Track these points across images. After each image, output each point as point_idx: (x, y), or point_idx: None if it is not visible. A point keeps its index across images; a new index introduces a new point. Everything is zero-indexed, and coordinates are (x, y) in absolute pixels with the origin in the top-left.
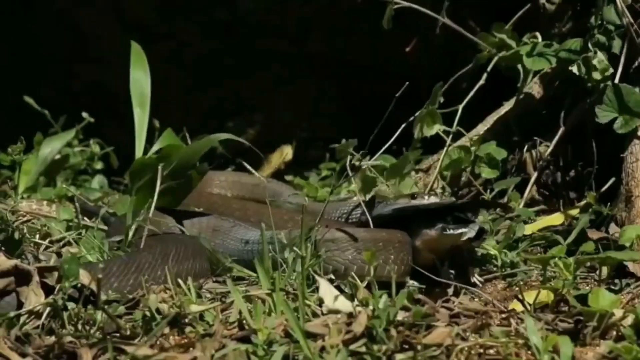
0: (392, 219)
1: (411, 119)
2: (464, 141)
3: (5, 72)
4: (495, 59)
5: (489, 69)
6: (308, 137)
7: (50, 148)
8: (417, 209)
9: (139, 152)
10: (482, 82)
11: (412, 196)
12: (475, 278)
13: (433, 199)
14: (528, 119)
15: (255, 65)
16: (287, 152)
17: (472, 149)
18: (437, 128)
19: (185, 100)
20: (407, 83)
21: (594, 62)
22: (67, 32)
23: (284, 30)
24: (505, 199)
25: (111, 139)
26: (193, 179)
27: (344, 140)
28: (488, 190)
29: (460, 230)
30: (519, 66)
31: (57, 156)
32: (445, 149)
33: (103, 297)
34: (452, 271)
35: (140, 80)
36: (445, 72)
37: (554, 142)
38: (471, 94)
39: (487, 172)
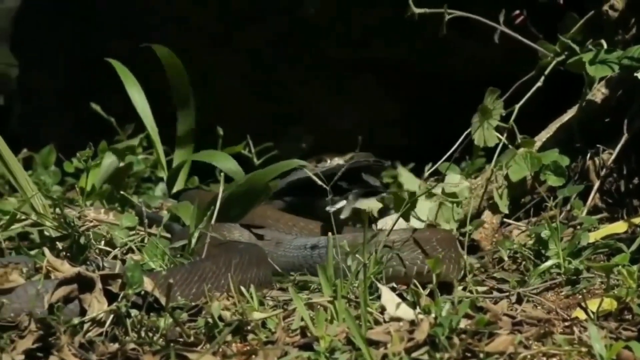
0: (304, 186)
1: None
2: (527, 148)
3: (73, 81)
4: (554, 62)
5: (546, 72)
6: (369, 144)
7: (113, 155)
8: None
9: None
10: (539, 84)
11: (318, 160)
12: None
13: (336, 162)
14: (591, 126)
15: (317, 71)
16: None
17: (539, 155)
18: (494, 124)
19: (246, 107)
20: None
21: None
22: (131, 40)
23: (347, 37)
24: (569, 207)
25: (172, 146)
26: (259, 197)
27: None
28: (551, 198)
29: (337, 206)
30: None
31: (121, 164)
32: (498, 150)
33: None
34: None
35: (139, 99)
36: (507, 79)
37: (617, 149)
38: (529, 94)
39: (552, 180)
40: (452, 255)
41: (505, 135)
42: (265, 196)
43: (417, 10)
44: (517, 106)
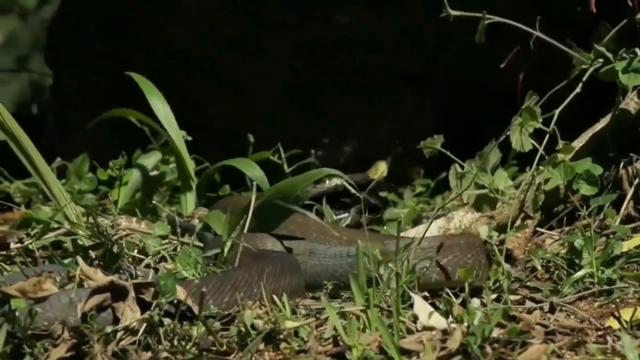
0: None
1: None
2: (560, 157)
3: (107, 89)
4: (590, 70)
5: (584, 78)
6: (403, 153)
7: (146, 164)
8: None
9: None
10: (577, 90)
11: (317, 181)
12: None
13: (334, 183)
14: (624, 134)
15: (350, 81)
16: (382, 169)
17: (572, 164)
18: (535, 125)
19: (280, 116)
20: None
21: None
22: (164, 49)
23: (380, 46)
24: (602, 216)
25: (206, 155)
26: (290, 208)
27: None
28: (584, 207)
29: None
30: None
31: (155, 173)
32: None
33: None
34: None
35: (162, 109)
36: (541, 87)
37: None
38: (568, 99)
39: (585, 189)
40: (480, 260)
41: (545, 140)
42: (298, 205)
43: (454, 13)
44: (557, 111)
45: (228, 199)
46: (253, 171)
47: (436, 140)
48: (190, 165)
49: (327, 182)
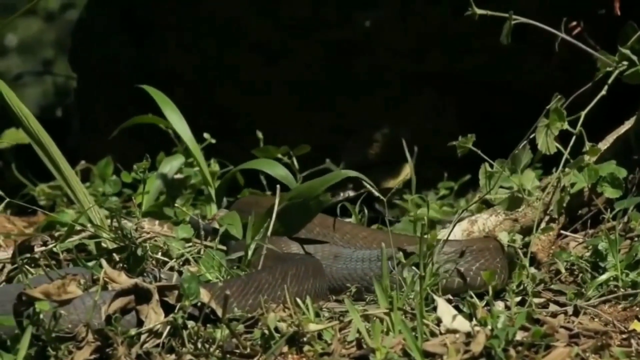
0: None
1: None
2: (585, 160)
3: (131, 92)
4: (616, 72)
5: (609, 81)
6: (426, 155)
7: (170, 167)
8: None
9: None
10: (603, 92)
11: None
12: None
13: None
14: None
15: (374, 82)
16: (406, 172)
17: (596, 167)
18: (562, 127)
19: (305, 119)
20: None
21: None
22: (188, 53)
23: (404, 48)
24: (626, 219)
25: (230, 158)
26: (313, 210)
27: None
28: (608, 210)
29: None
30: None
31: (179, 176)
32: (565, 156)
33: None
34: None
35: (176, 119)
36: (565, 89)
37: None
38: (594, 101)
39: (609, 192)
40: (500, 264)
41: (572, 142)
42: (319, 208)
43: (479, 11)
44: (584, 113)
45: (248, 199)
46: (277, 170)
47: (468, 139)
48: (207, 170)
49: (342, 194)
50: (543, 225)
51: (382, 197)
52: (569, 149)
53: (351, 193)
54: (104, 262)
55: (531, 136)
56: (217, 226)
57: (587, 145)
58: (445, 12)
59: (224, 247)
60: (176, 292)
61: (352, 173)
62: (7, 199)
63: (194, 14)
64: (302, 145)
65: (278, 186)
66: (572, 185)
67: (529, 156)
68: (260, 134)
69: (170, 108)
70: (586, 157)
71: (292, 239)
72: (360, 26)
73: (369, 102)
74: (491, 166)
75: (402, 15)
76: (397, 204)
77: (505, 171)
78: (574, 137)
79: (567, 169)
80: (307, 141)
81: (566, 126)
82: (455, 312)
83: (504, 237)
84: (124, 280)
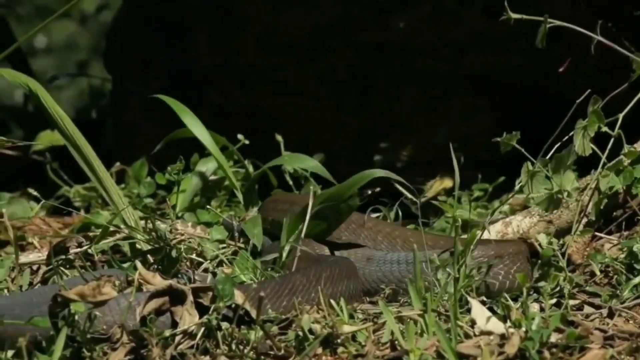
0: None
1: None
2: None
3: (166, 94)
4: None
5: None
6: (461, 157)
7: (205, 168)
8: None
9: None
10: None
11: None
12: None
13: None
14: None
15: (407, 85)
16: (447, 182)
17: (631, 168)
18: (592, 133)
19: (337, 121)
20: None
21: None
22: (221, 55)
23: (437, 50)
24: None
25: (265, 160)
26: (343, 213)
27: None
28: None
29: None
30: None
31: (213, 177)
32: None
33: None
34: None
35: (198, 129)
36: (600, 91)
37: None
38: (632, 103)
39: None
40: (524, 267)
41: (610, 144)
42: (350, 211)
43: (514, 15)
44: (621, 115)
45: (279, 197)
46: (309, 163)
47: (513, 136)
48: (232, 173)
49: (369, 191)
50: (579, 227)
51: (414, 198)
52: (607, 151)
53: (377, 189)
54: (138, 263)
55: (564, 138)
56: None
57: (626, 148)
58: (478, 14)
59: (261, 247)
60: (210, 293)
61: (381, 172)
62: (43, 200)
63: (227, 15)
64: (318, 154)
65: (312, 188)
66: (611, 188)
67: (573, 157)
68: (279, 137)
69: (190, 117)
70: (625, 159)
71: (323, 243)
72: (394, 28)
73: (402, 104)
74: (533, 165)
75: (436, 17)
76: (432, 205)
77: (548, 171)
78: (612, 139)
79: (604, 171)
80: (340, 142)
81: (605, 128)
82: (489, 313)
83: (542, 239)
84: (158, 281)
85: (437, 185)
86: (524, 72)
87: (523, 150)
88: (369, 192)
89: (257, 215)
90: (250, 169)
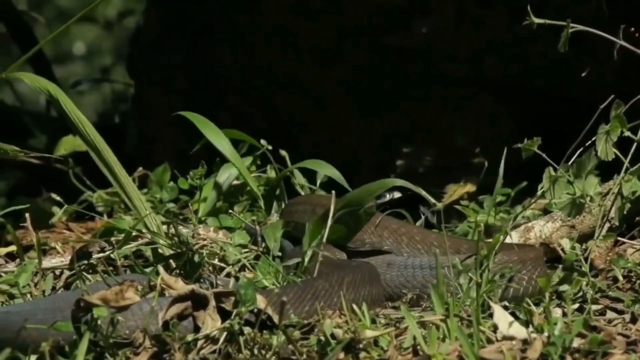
0: None
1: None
2: None
3: (188, 99)
4: None
5: None
6: (482, 162)
7: (228, 174)
8: None
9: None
10: None
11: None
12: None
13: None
14: None
15: (429, 89)
16: (469, 186)
17: None
18: (615, 138)
19: (359, 125)
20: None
21: None
22: (243, 60)
23: (459, 55)
24: None
25: (286, 164)
26: (361, 220)
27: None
28: None
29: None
30: None
31: (236, 182)
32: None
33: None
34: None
35: (221, 142)
36: (622, 96)
37: None
38: None
39: None
40: (539, 273)
41: (632, 149)
42: (368, 217)
43: (537, 20)
44: None
45: (301, 198)
46: (330, 171)
47: (534, 142)
48: (252, 179)
49: (388, 195)
50: (602, 231)
51: (437, 203)
52: (629, 155)
53: (396, 194)
54: (161, 268)
55: (587, 143)
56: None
57: None
58: (500, 18)
59: (279, 253)
60: (233, 298)
61: (399, 182)
62: (66, 205)
63: (249, 20)
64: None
65: (333, 192)
66: (633, 192)
67: (594, 162)
68: (283, 152)
69: (214, 133)
70: None
71: (342, 248)
72: (416, 32)
73: (424, 108)
74: (555, 170)
75: (458, 21)
76: (455, 210)
77: (570, 176)
78: (634, 144)
79: (627, 176)
80: (363, 147)
81: (627, 133)
82: (511, 318)
83: (565, 244)
84: (181, 286)
85: (459, 190)
86: (545, 77)
87: (544, 155)
88: (387, 196)
89: (278, 221)
90: (272, 173)
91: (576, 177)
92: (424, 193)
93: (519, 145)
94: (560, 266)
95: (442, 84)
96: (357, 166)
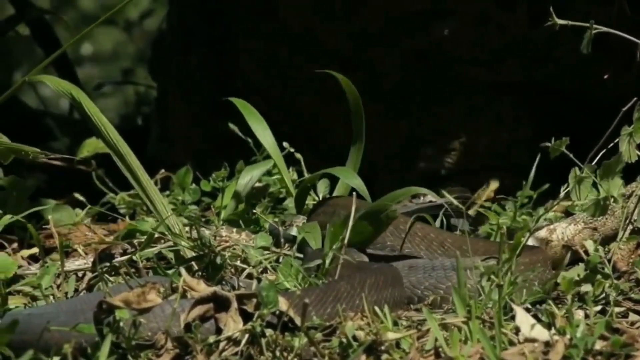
0: None
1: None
2: None
3: (211, 101)
4: None
5: None
6: (504, 165)
7: (250, 176)
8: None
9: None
10: None
11: (413, 196)
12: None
13: (428, 199)
14: None
15: (450, 92)
16: (493, 185)
17: None
18: (638, 140)
19: (381, 128)
20: None
21: None
22: (264, 62)
23: (480, 58)
24: None
25: (312, 169)
26: (383, 224)
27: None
28: None
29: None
30: None
31: (258, 184)
32: None
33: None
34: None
35: (262, 130)
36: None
37: None
38: None
39: None
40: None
41: None
42: (389, 222)
43: (560, 22)
44: None
45: (329, 200)
46: (353, 180)
47: (562, 142)
48: (290, 180)
49: (422, 198)
50: (624, 234)
51: (461, 207)
52: None
53: (432, 199)
54: (183, 270)
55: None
56: (295, 232)
57: None
58: (522, 21)
59: (301, 255)
60: (255, 300)
61: (423, 190)
62: (89, 206)
63: (271, 23)
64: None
65: (354, 194)
66: None
67: (622, 164)
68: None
69: (257, 122)
70: None
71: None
72: (437, 35)
73: (446, 111)
74: (581, 171)
75: (479, 24)
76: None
77: (595, 177)
78: None
79: None
80: (385, 150)
81: None
82: (533, 321)
83: (588, 246)
84: (203, 288)
85: (485, 193)
86: (567, 80)
87: (571, 155)
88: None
89: (314, 223)
90: (295, 176)
91: (602, 179)
92: (455, 202)
93: (547, 144)
94: (581, 264)
95: (463, 87)
96: (380, 169)
